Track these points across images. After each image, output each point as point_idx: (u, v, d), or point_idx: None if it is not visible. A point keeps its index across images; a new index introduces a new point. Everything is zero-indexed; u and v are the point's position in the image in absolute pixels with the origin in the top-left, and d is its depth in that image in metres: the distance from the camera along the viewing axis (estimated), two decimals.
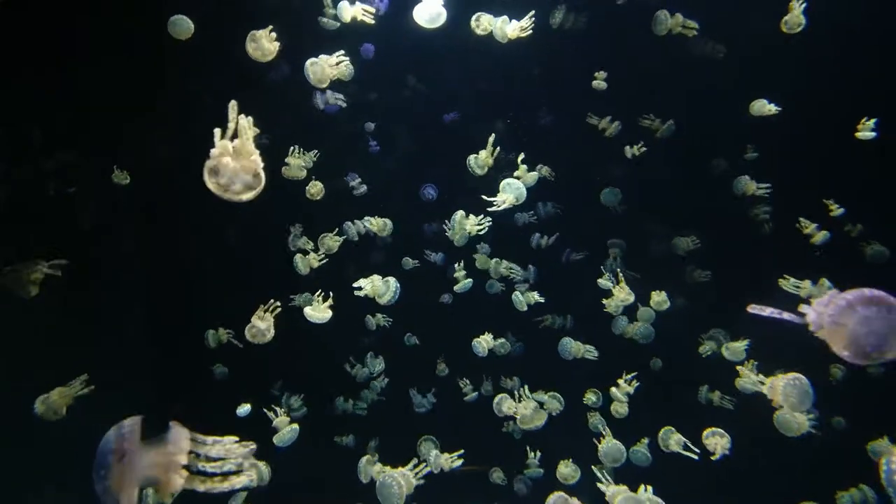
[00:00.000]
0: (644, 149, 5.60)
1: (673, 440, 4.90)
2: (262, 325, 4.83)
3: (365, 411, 6.35)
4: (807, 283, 4.53)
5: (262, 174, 3.00)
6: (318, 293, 5.06)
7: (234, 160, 2.94)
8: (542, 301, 5.83)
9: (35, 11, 4.76)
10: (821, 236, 5.31)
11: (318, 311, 4.95)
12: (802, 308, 2.91)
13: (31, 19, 4.78)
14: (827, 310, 2.78)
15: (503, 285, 6.14)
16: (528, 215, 6.13)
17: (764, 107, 5.08)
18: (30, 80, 4.81)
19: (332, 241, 5.64)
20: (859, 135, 4.70)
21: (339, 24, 4.99)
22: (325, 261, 5.63)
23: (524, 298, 5.81)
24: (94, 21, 4.92)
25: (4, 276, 4.17)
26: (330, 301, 4.95)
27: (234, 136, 2.92)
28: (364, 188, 5.88)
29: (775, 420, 4.65)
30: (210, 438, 2.25)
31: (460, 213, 5.32)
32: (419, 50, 5.48)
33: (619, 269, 5.91)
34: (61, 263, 4.38)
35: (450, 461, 4.90)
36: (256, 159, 2.95)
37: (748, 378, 4.43)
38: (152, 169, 5.32)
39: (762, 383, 4.07)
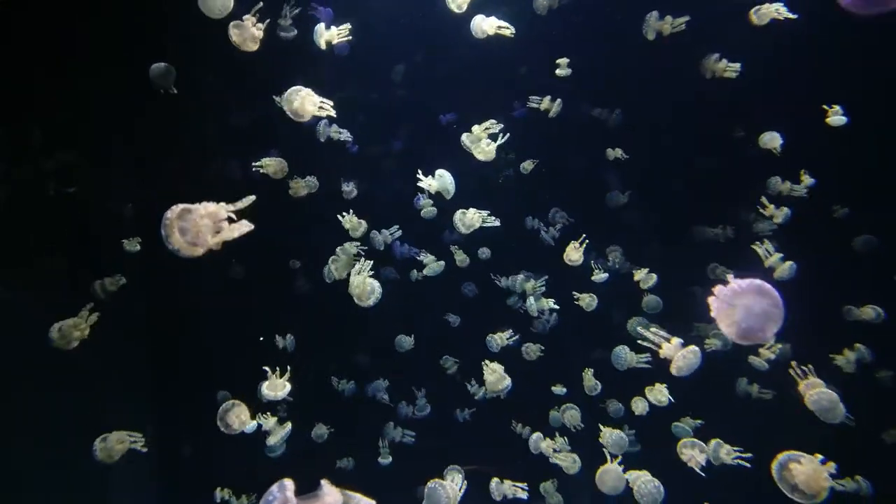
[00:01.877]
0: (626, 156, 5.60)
1: (723, 451, 4.60)
2: (239, 426, 4.40)
3: (414, 440, 6.20)
4: (776, 256, 4.55)
5: (205, 248, 3.01)
6: (274, 371, 4.49)
7: (207, 220, 2.95)
8: (557, 308, 5.81)
9: (35, 11, 4.76)
10: (781, 214, 5.23)
11: (274, 388, 4.42)
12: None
13: (31, 19, 4.78)
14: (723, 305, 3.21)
15: (520, 300, 6.09)
16: (536, 221, 6.12)
17: (773, 140, 5.05)
18: (30, 80, 4.81)
19: (350, 248, 5.52)
20: (829, 121, 4.67)
21: (295, 31, 4.94)
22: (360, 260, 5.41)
23: (537, 304, 5.82)
24: (94, 21, 4.91)
25: (56, 333, 4.20)
26: (288, 375, 4.46)
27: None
28: (355, 192, 5.79)
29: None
30: (357, 495, 2.59)
31: (460, 210, 5.29)
32: (393, 41, 5.45)
33: (619, 268, 5.95)
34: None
35: (513, 488, 4.75)
36: (217, 239, 2.97)
37: (649, 333, 4.07)
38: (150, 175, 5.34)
39: (659, 347, 3.96)
